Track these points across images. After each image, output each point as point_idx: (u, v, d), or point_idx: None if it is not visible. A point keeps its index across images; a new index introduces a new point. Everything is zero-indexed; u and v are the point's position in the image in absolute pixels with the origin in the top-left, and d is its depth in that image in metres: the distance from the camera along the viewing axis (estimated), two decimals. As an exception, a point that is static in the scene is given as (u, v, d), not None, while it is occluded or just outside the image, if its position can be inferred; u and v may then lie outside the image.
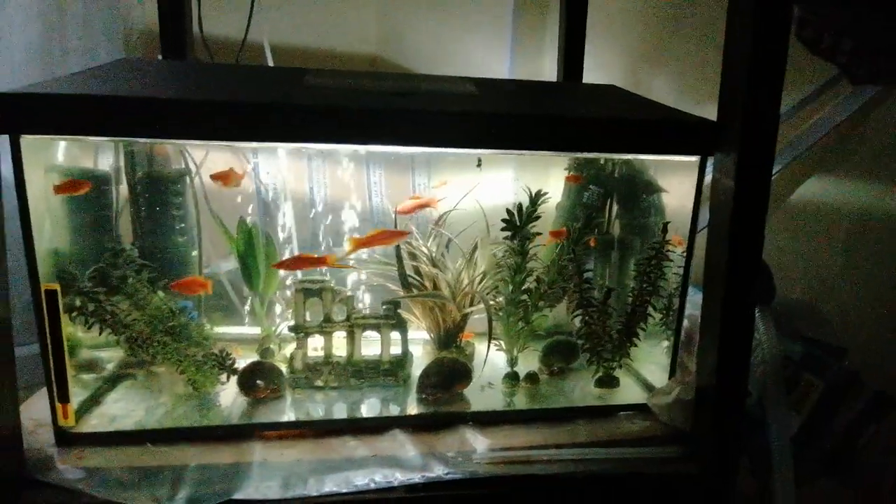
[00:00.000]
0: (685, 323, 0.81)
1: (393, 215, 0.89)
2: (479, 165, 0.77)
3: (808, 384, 0.72)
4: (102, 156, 0.85)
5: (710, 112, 0.70)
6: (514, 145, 0.68)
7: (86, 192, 0.75)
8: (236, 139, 0.64)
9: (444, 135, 0.66)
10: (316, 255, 0.85)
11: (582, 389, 0.86)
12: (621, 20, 1.21)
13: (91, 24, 1.14)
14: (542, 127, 0.67)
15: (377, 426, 0.75)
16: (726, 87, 0.66)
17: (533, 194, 0.79)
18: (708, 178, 0.74)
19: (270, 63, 1.14)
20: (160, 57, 1.00)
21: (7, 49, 1.00)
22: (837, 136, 1.00)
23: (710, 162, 0.70)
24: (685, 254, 0.78)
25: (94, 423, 0.73)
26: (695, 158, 0.74)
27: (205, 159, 0.94)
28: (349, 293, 0.85)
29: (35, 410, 0.74)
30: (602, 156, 0.78)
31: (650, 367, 0.89)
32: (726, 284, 0.65)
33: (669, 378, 0.82)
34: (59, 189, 0.72)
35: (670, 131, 0.71)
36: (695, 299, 0.83)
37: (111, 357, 0.83)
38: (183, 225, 0.91)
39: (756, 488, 0.72)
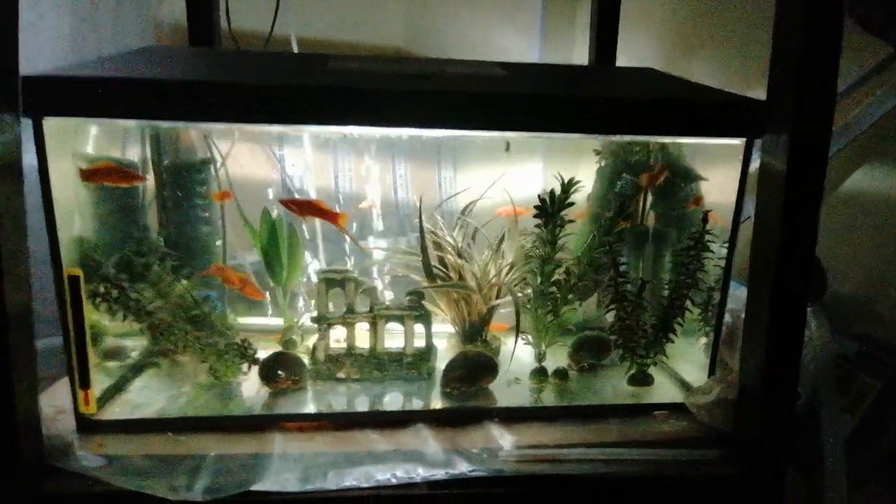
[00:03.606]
0: (726, 318, 0.76)
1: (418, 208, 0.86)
2: (507, 149, 0.74)
3: (863, 385, 0.66)
4: (129, 145, 0.85)
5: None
6: (545, 127, 0.65)
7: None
8: (259, 121, 0.63)
9: (472, 116, 0.63)
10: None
11: (613, 387, 0.82)
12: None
13: (122, 17, 1.14)
14: (575, 108, 0.64)
15: (400, 420, 0.73)
16: (778, 62, 0.61)
17: (565, 181, 0.76)
18: (752, 165, 0.70)
19: (296, 53, 1.13)
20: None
21: (39, 43, 1.02)
22: (891, 120, 0.94)
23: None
24: (727, 244, 0.74)
25: (117, 410, 0.73)
26: (739, 142, 0.70)
27: (231, 150, 0.94)
28: (373, 284, 0.83)
29: (57, 397, 0.74)
30: (641, 139, 0.74)
31: (685, 365, 0.85)
32: (776, 276, 0.60)
33: (709, 376, 0.77)
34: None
35: (715, 111, 0.66)
36: (736, 293, 0.79)
37: (136, 346, 0.83)
38: (207, 214, 0.90)
39: (803, 495, 0.67)
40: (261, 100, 0.61)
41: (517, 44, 1.18)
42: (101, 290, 0.70)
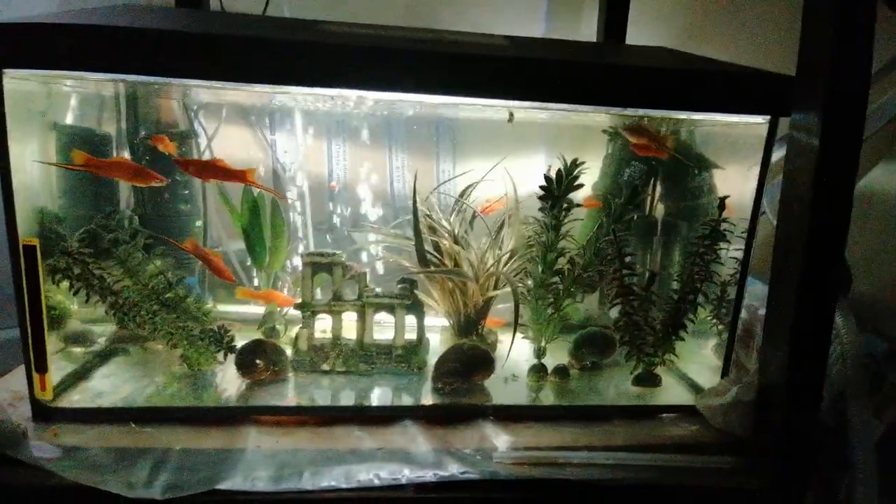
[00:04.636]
0: (742, 314, 0.71)
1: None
2: (510, 120, 0.68)
3: (894, 386, 0.61)
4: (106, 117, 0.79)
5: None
6: (552, 97, 0.59)
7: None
8: (236, 79, 0.57)
9: (473, 80, 0.57)
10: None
11: (617, 387, 0.77)
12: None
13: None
14: (590, 75, 0.58)
15: (387, 416, 0.68)
16: (809, 33, 0.56)
17: (568, 162, 0.70)
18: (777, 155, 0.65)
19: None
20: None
21: (26, 12, 0.97)
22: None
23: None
24: (745, 233, 0.68)
25: (77, 398, 0.67)
26: (761, 121, 0.64)
27: (217, 131, 0.88)
28: (362, 269, 0.78)
29: (16, 382, 0.68)
30: (659, 113, 0.68)
31: (693, 366, 0.79)
32: (803, 266, 0.55)
33: (722, 377, 0.71)
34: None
35: (739, 85, 0.61)
36: (751, 289, 0.73)
37: (104, 331, 0.77)
38: (186, 192, 0.84)
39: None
40: (240, 54, 0.55)
41: (521, 25, 1.13)
42: (62, 265, 0.63)
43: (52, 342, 0.64)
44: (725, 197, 0.70)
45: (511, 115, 0.67)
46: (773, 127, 0.64)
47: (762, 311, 0.67)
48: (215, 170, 0.70)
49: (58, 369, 0.68)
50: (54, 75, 0.62)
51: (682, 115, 0.71)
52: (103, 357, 0.75)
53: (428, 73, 0.57)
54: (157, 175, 0.69)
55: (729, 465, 0.61)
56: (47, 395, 0.63)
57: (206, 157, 0.88)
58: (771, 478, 0.58)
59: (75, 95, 0.75)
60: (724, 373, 0.72)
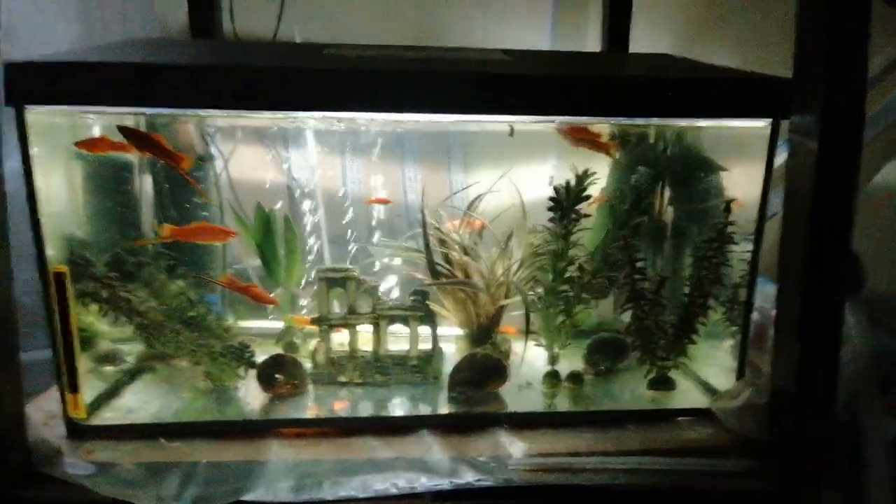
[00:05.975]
0: (754, 316, 0.71)
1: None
2: (511, 134, 0.70)
3: (910, 386, 0.60)
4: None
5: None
6: (553, 110, 0.61)
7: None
8: (249, 107, 0.60)
9: (477, 98, 0.59)
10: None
11: (632, 392, 0.77)
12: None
13: (129, 22, 1.14)
14: (586, 88, 0.59)
15: (403, 426, 0.69)
16: (804, 34, 0.56)
17: (580, 173, 0.71)
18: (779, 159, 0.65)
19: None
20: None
21: (47, 48, 1.01)
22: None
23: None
24: (754, 235, 0.69)
25: (109, 415, 0.70)
26: (763, 124, 0.65)
27: (233, 152, 0.91)
28: (375, 283, 0.79)
29: (50, 402, 0.71)
30: (660, 122, 0.69)
31: (710, 368, 0.79)
32: (808, 268, 0.55)
33: (737, 379, 0.71)
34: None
35: (739, 91, 0.62)
36: (765, 290, 0.73)
37: (133, 350, 0.80)
38: (207, 214, 0.87)
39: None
40: (251, 84, 0.58)
41: (528, 40, 1.15)
42: (90, 289, 0.67)
43: (83, 362, 0.67)
44: (731, 200, 0.71)
45: (512, 129, 0.69)
46: (775, 129, 0.64)
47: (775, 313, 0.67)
48: (152, 144, 0.70)
49: (90, 388, 0.71)
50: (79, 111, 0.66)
51: (684, 123, 0.72)
52: (132, 375, 0.78)
53: (432, 94, 0.59)
54: (231, 230, 0.78)
55: (743, 467, 0.61)
56: (80, 413, 0.66)
57: (224, 178, 0.91)
58: (784, 480, 0.58)
59: (98, 125, 0.78)
60: (739, 375, 0.72)
